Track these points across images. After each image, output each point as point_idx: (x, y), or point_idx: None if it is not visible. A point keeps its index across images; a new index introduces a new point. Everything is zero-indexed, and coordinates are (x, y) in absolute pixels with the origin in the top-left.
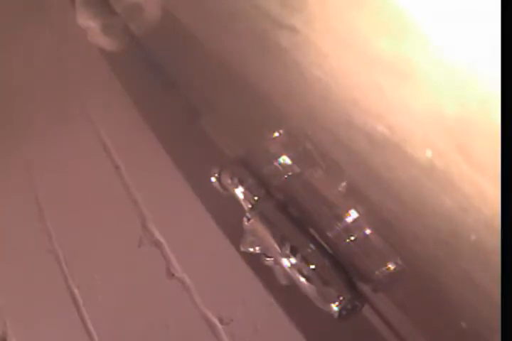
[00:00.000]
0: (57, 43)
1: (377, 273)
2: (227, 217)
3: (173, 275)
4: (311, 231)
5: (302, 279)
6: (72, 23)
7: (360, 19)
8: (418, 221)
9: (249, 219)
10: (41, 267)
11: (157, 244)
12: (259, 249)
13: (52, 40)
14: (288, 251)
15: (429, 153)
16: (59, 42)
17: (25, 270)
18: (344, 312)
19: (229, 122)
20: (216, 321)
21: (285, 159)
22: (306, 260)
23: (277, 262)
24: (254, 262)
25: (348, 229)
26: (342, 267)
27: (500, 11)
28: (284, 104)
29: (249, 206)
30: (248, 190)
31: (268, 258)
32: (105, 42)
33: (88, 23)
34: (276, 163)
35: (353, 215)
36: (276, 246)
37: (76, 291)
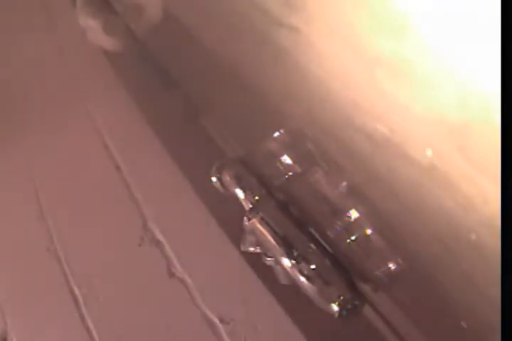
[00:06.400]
0: (57, 43)
1: (377, 273)
2: (228, 217)
3: (173, 274)
4: (312, 231)
5: (303, 279)
6: (73, 23)
7: (361, 19)
8: (418, 221)
9: (249, 219)
10: (42, 267)
11: (158, 244)
12: (260, 249)
13: (53, 39)
14: (288, 251)
15: (429, 153)
16: (60, 42)
17: (25, 269)
18: (344, 312)
19: (229, 122)
20: (216, 320)
21: (286, 159)
22: (306, 260)
23: (278, 262)
24: (255, 262)
25: (349, 229)
26: (342, 267)
27: (501, 12)
28: (285, 103)
29: (250, 206)
30: (249, 189)
31: (268, 258)
32: (106, 41)
33: (89, 22)
34: (276, 163)
35: (353, 215)
36: (276, 245)
37: (76, 291)
